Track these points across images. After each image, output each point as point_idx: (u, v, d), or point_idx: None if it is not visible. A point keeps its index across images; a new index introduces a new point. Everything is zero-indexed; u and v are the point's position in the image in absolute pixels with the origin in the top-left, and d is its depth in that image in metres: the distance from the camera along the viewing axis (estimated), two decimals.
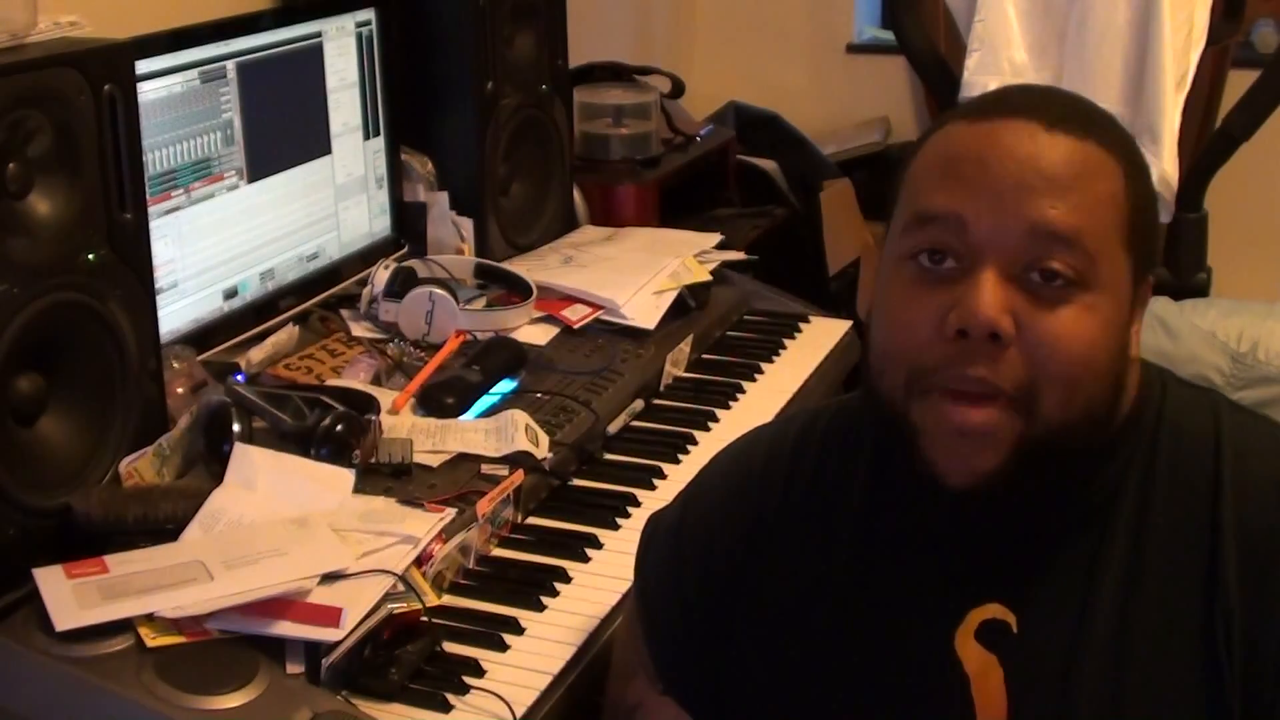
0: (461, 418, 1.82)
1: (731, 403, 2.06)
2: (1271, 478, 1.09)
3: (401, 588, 1.42)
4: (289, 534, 1.47)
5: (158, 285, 1.69)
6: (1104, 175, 1.07)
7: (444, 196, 2.30)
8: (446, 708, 1.37)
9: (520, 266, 2.26)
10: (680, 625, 1.29)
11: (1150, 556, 1.09)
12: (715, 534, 1.26)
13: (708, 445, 1.90)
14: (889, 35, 3.54)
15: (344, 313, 2.12)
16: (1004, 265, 1.05)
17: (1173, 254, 2.66)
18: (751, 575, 1.23)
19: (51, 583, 1.38)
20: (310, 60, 2.09)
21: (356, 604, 1.37)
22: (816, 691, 1.18)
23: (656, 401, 2.04)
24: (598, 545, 1.66)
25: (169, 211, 1.83)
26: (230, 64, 1.92)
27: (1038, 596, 1.11)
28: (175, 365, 1.73)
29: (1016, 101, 1.13)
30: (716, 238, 2.45)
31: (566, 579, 1.60)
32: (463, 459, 1.71)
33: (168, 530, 1.48)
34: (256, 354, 1.92)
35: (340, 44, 2.14)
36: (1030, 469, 1.06)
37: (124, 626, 1.33)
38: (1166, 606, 1.08)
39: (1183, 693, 1.06)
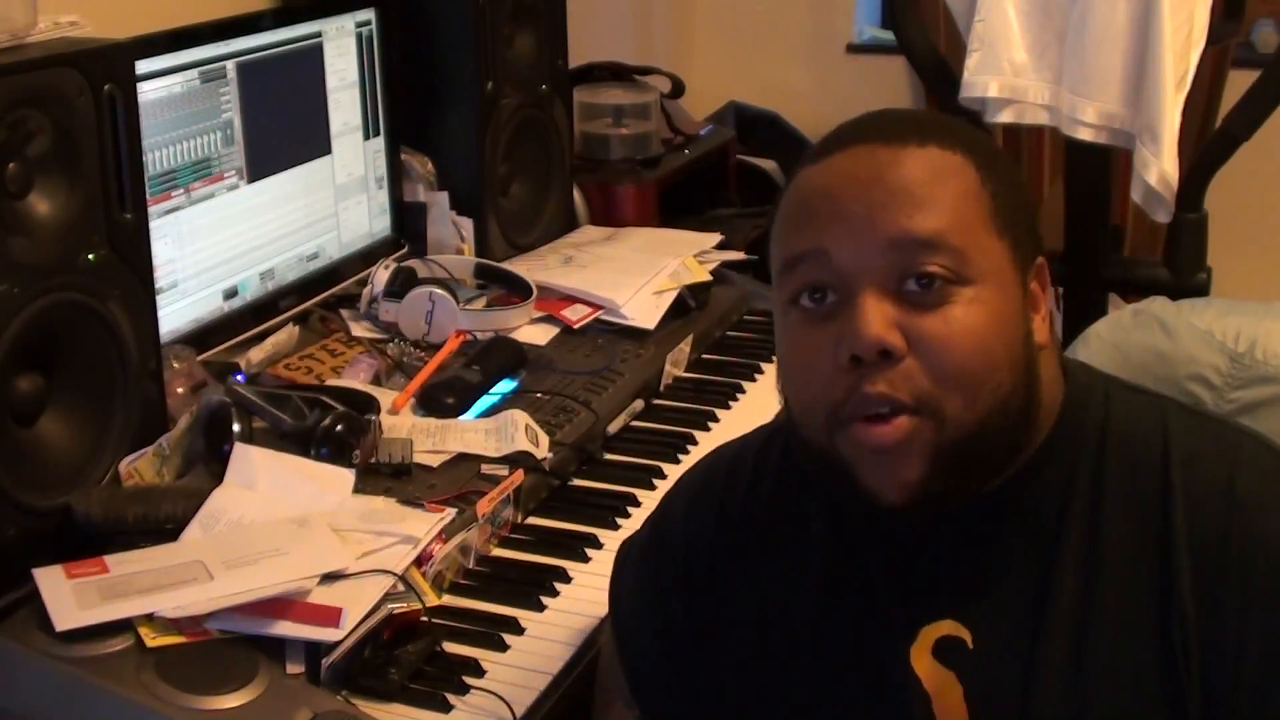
0: (461, 418, 1.82)
1: (731, 403, 2.06)
2: (1220, 483, 1.08)
3: (401, 588, 1.42)
4: (289, 534, 1.47)
5: (158, 285, 1.69)
6: (952, 174, 1.08)
7: (444, 196, 2.30)
8: (446, 708, 1.38)
9: (520, 266, 2.26)
10: (653, 647, 1.28)
11: (1103, 567, 1.09)
12: (681, 554, 1.26)
13: (708, 445, 1.89)
14: (889, 35, 3.54)
15: (344, 313, 2.12)
16: (878, 284, 1.05)
17: (1173, 254, 2.66)
18: (719, 598, 1.23)
19: (51, 583, 1.38)
20: (310, 60, 2.09)
21: (356, 604, 1.37)
22: (785, 710, 1.19)
23: (656, 401, 2.04)
24: (598, 545, 1.66)
25: (169, 211, 1.83)
26: (230, 64, 1.92)
27: (990, 612, 1.11)
28: (175, 365, 1.73)
29: (854, 131, 1.13)
30: (716, 238, 2.45)
31: (566, 579, 1.60)
32: (463, 459, 1.72)
33: (168, 530, 1.48)
34: (256, 354, 1.93)
35: (340, 44, 2.14)
36: (957, 474, 1.07)
37: (124, 626, 1.34)
38: (1122, 617, 1.07)
39: (1142, 702, 1.06)
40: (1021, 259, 1.10)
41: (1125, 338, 1.50)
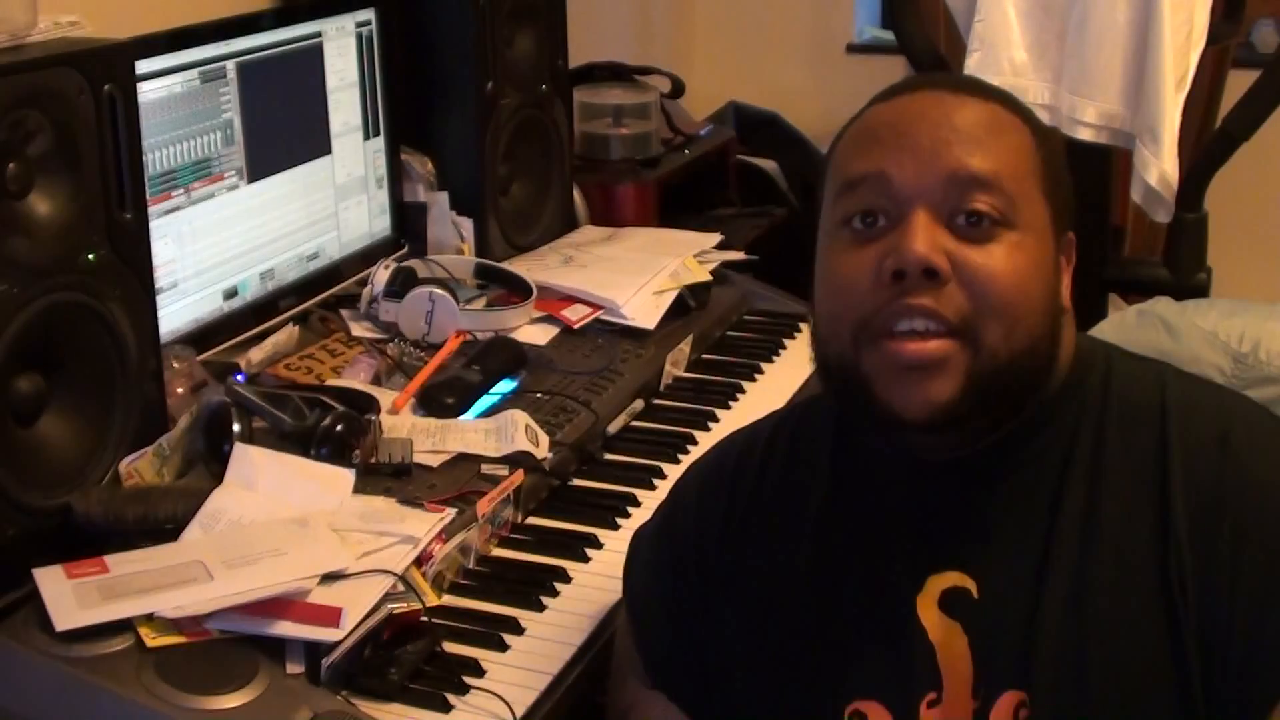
0: (461, 418, 1.82)
1: (731, 403, 2.06)
2: (1214, 436, 1.13)
3: (401, 588, 1.42)
4: (289, 534, 1.47)
5: (158, 285, 1.69)
6: (1013, 129, 1.16)
7: (444, 196, 2.30)
8: (446, 708, 1.37)
9: (520, 266, 2.26)
10: (665, 621, 1.32)
11: (1104, 518, 1.13)
12: (693, 531, 1.30)
13: (708, 445, 1.89)
14: (889, 35, 3.54)
15: (344, 313, 2.12)
16: (932, 208, 1.11)
17: (1173, 254, 2.66)
18: (729, 564, 1.26)
19: (51, 583, 1.38)
20: (310, 60, 2.09)
21: (356, 604, 1.37)
22: (794, 671, 1.21)
23: (656, 401, 2.04)
24: (598, 545, 1.66)
25: (169, 211, 1.83)
26: (230, 64, 1.92)
27: (995, 563, 1.14)
28: (175, 365, 1.73)
29: (923, 80, 1.25)
30: (716, 238, 2.45)
31: (566, 579, 1.60)
32: (463, 459, 1.72)
33: (168, 530, 1.48)
34: (256, 354, 1.92)
35: (340, 44, 2.14)
36: (982, 402, 1.10)
37: (124, 626, 1.33)
38: (1122, 565, 1.11)
39: (1143, 648, 1.09)
40: (1058, 226, 1.16)
41: (1129, 338, 1.51)
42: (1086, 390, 1.17)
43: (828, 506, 1.22)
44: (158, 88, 1.79)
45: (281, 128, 2.04)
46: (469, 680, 1.41)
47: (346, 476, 1.59)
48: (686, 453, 1.89)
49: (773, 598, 1.23)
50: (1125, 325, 1.54)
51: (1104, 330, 1.55)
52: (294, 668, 1.34)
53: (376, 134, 2.24)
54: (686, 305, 2.22)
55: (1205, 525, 1.10)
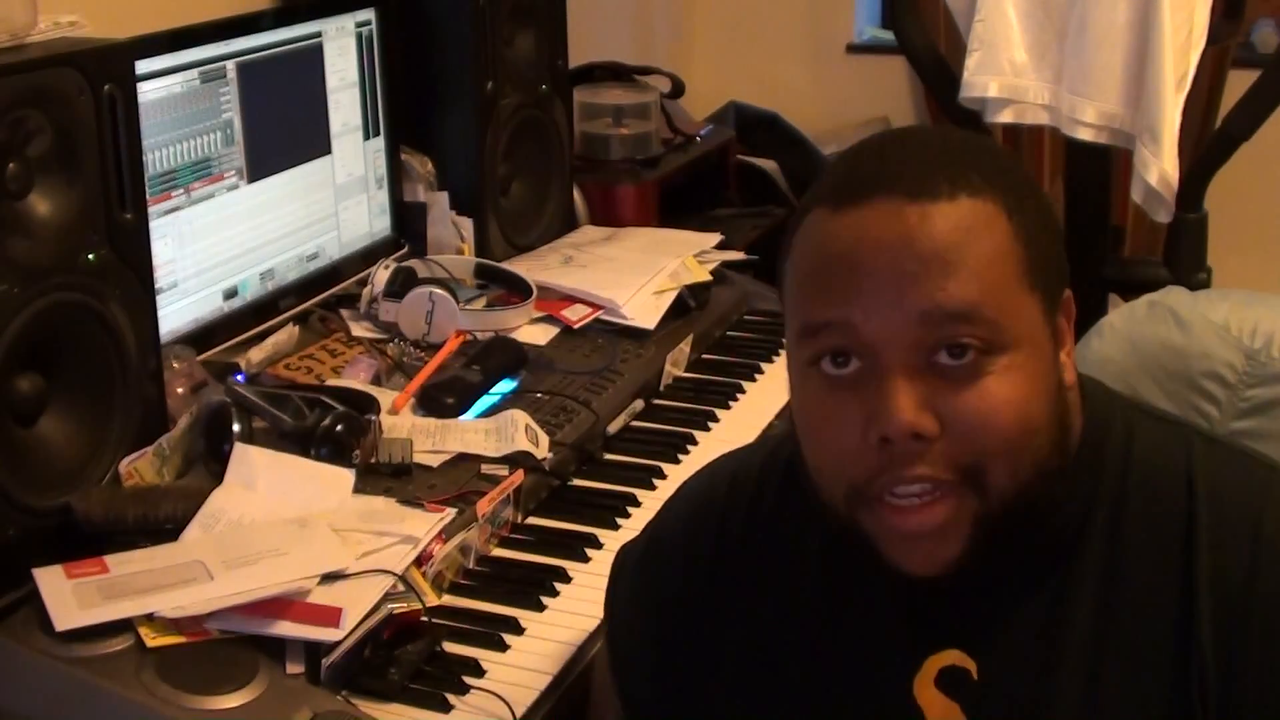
0: (461, 418, 1.82)
1: (731, 403, 2.06)
2: (1247, 522, 1.04)
3: (401, 588, 1.42)
4: (289, 534, 1.47)
5: (158, 285, 1.69)
6: (985, 230, 1.01)
7: (444, 196, 2.30)
8: (446, 708, 1.37)
9: (520, 266, 2.26)
10: (647, 663, 1.26)
11: (1121, 602, 1.05)
12: (680, 569, 1.23)
13: (707, 445, 1.90)
14: (889, 35, 3.54)
15: (344, 313, 2.12)
16: (908, 357, 1.00)
17: (1173, 254, 2.66)
18: (715, 616, 1.20)
19: (51, 583, 1.38)
20: (310, 60, 2.09)
21: (356, 604, 1.37)
22: None
23: (656, 401, 2.04)
24: (598, 545, 1.66)
25: (169, 211, 1.83)
26: (230, 64, 1.92)
27: (997, 643, 1.08)
28: (175, 365, 1.73)
29: (877, 177, 1.03)
30: (716, 238, 2.44)
31: (566, 579, 1.60)
32: (463, 459, 1.71)
33: (168, 530, 1.48)
34: (256, 354, 1.92)
35: (340, 44, 2.14)
36: (995, 542, 1.03)
37: (124, 626, 1.34)
38: (1138, 653, 1.04)
39: None
40: (1050, 304, 1.05)
41: (1139, 330, 1.48)
42: (1103, 460, 1.08)
43: (824, 569, 1.15)
44: (158, 88, 1.79)
45: (281, 128, 2.04)
46: (469, 680, 1.41)
47: (346, 476, 1.59)
48: (686, 453, 1.89)
49: (758, 654, 1.17)
50: (1135, 318, 1.50)
51: (1114, 321, 1.51)
52: (294, 668, 1.34)
53: (376, 134, 2.24)
54: (686, 305, 2.22)
55: (1232, 623, 1.02)
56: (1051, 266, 1.05)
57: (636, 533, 1.37)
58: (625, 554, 1.34)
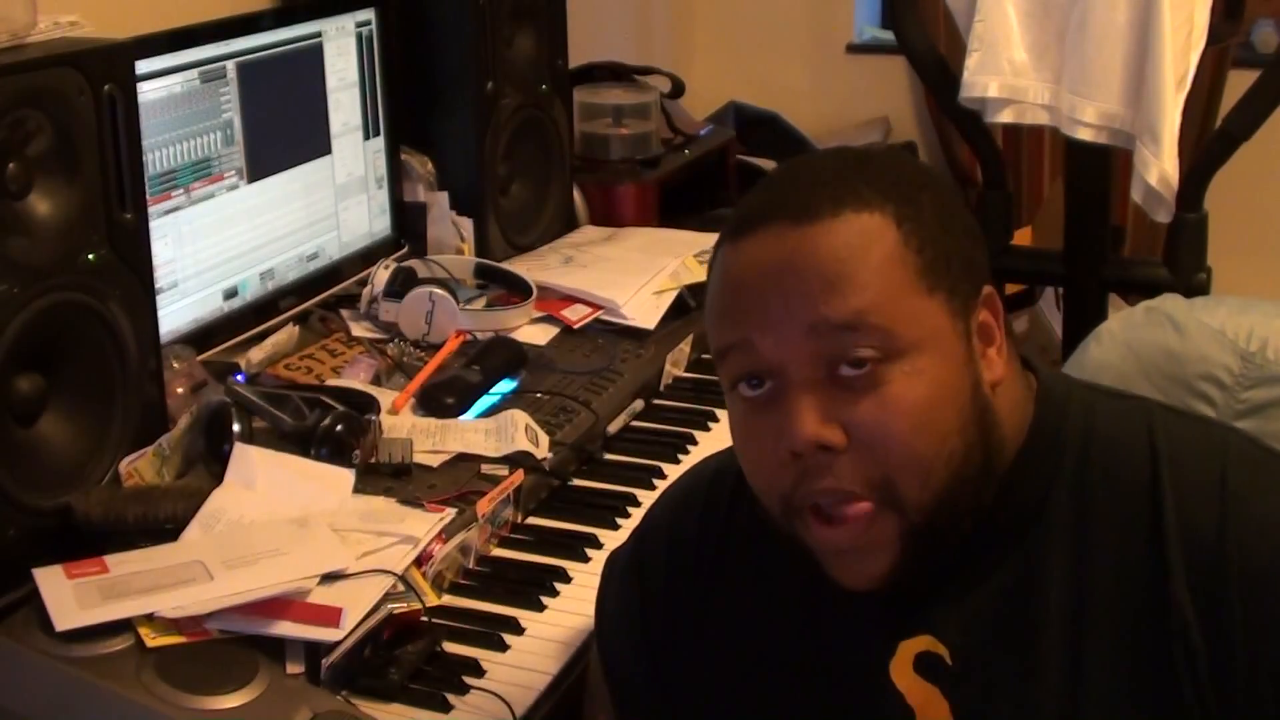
0: (461, 418, 1.82)
1: None
2: (1212, 477, 1.06)
3: (401, 588, 1.42)
4: (289, 534, 1.47)
5: (158, 285, 1.69)
6: (870, 241, 1.04)
7: (444, 196, 2.30)
8: (446, 708, 1.38)
9: (520, 266, 2.26)
10: (637, 665, 1.27)
11: (1092, 572, 1.07)
12: (664, 571, 1.25)
13: (708, 445, 1.90)
14: (889, 35, 3.54)
15: (344, 313, 2.12)
16: (809, 372, 1.03)
17: (1173, 254, 2.66)
18: (702, 611, 1.22)
19: (51, 583, 1.38)
20: (310, 60, 2.09)
21: (356, 604, 1.37)
22: None
23: (656, 401, 2.04)
24: (598, 545, 1.66)
25: (169, 211, 1.83)
26: (230, 64, 1.92)
27: (967, 626, 1.09)
28: (175, 365, 1.73)
29: (764, 207, 1.09)
30: (716, 237, 2.44)
31: (566, 579, 1.60)
32: (463, 459, 1.72)
33: (168, 530, 1.48)
34: (256, 354, 1.93)
35: (340, 44, 2.14)
36: (925, 551, 1.06)
37: (124, 626, 1.34)
38: (1116, 621, 1.05)
39: (1144, 706, 1.04)
40: (961, 304, 1.06)
41: (1136, 335, 1.49)
42: (1064, 443, 1.10)
43: (797, 569, 1.15)
44: (158, 88, 1.79)
45: (281, 127, 2.04)
46: (469, 680, 1.41)
47: (346, 476, 1.59)
48: (686, 453, 1.89)
49: (743, 650, 1.19)
50: (1132, 323, 1.52)
51: (1111, 327, 1.53)
52: (294, 668, 1.34)
53: (376, 134, 2.24)
54: (686, 305, 2.22)
55: (1207, 573, 1.03)
56: (955, 266, 1.07)
57: None
58: (612, 560, 1.35)
